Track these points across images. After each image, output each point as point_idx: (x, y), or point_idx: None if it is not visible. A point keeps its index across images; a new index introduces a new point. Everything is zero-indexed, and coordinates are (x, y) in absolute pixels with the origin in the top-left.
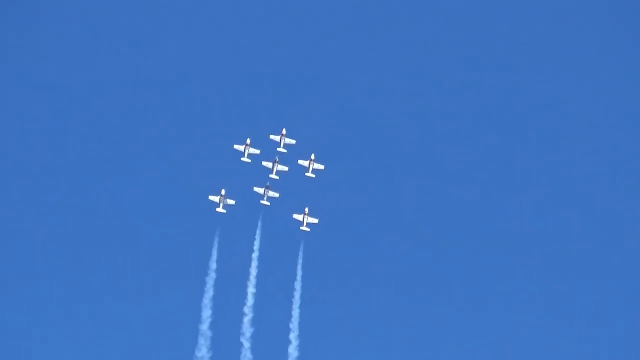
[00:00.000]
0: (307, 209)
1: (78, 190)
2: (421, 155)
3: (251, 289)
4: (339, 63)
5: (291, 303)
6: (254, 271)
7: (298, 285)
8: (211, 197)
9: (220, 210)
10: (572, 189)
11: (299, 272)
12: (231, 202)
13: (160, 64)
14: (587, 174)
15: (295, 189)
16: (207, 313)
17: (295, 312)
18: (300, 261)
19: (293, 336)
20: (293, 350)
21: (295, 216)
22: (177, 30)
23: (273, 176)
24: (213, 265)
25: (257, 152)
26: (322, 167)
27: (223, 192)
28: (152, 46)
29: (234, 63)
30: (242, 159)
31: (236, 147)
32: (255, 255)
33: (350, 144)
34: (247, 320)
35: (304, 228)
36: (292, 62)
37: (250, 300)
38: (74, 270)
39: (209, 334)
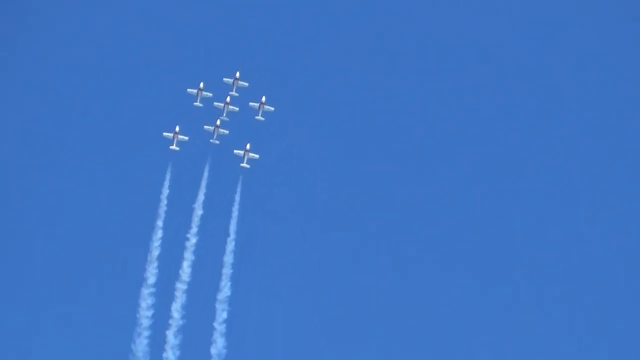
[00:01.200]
0: (248, 145)
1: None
2: (376, 107)
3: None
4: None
5: (225, 244)
6: (199, 210)
7: (233, 222)
8: (165, 134)
9: (173, 147)
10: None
11: (235, 210)
12: (184, 138)
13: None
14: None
15: (244, 129)
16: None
17: (229, 250)
18: (237, 198)
19: (224, 272)
20: (224, 286)
21: (236, 151)
22: None
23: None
24: (164, 200)
25: (210, 94)
26: (272, 108)
27: (177, 128)
28: None
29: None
30: (195, 103)
31: (189, 90)
32: (201, 193)
33: (303, 87)
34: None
35: (244, 164)
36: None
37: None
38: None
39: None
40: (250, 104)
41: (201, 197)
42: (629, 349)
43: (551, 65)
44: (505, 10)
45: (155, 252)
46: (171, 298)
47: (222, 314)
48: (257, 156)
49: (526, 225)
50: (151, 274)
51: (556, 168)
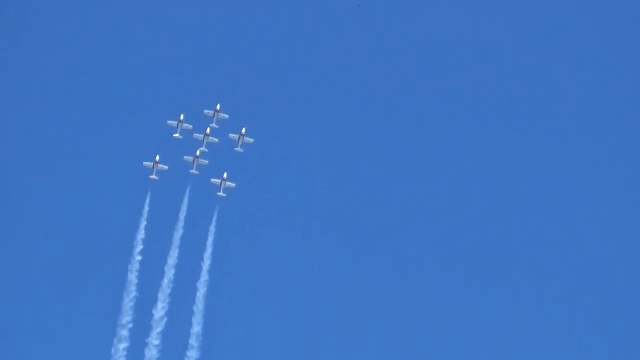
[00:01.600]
0: (225, 174)
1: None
2: (357, 136)
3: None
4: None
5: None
6: (176, 238)
7: (209, 248)
8: (145, 163)
9: (153, 177)
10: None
11: (210, 237)
12: (164, 167)
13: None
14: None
15: (223, 160)
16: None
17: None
18: (213, 225)
19: (199, 294)
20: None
21: (213, 180)
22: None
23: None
24: (142, 229)
25: (190, 127)
26: (251, 139)
27: (157, 157)
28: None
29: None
30: (174, 135)
31: (169, 122)
32: (180, 221)
33: (283, 118)
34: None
35: (221, 193)
36: (236, 40)
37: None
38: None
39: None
40: (230, 135)
41: (180, 225)
42: (629, 349)
43: (550, 65)
44: (505, 11)
45: (133, 278)
46: (148, 328)
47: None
48: (233, 185)
49: (526, 226)
50: (128, 302)
51: (556, 168)
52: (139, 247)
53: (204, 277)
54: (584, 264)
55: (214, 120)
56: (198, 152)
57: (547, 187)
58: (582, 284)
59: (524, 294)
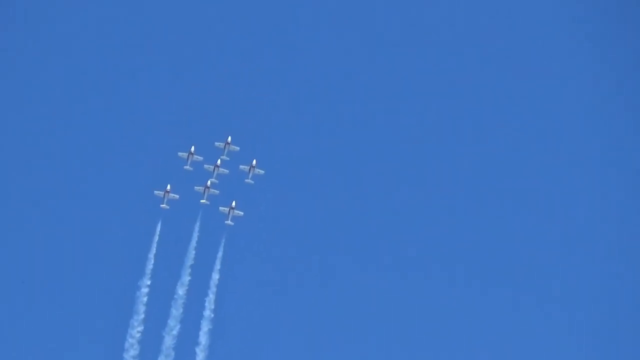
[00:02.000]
0: (234, 202)
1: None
2: (366, 163)
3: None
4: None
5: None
6: (187, 267)
7: (215, 276)
8: (156, 192)
9: (164, 206)
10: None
11: (217, 265)
12: (175, 196)
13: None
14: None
15: (234, 190)
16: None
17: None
18: (220, 254)
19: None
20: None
21: (221, 209)
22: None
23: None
24: (151, 257)
25: (200, 158)
26: (262, 171)
27: (168, 187)
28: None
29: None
30: (185, 167)
31: (180, 154)
32: (190, 250)
33: (295, 151)
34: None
35: (229, 222)
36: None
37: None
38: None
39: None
40: (241, 167)
41: (190, 253)
42: (630, 349)
43: (549, 66)
44: (505, 11)
45: (142, 306)
46: (157, 352)
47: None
48: (241, 213)
49: (526, 226)
50: (137, 328)
51: (555, 168)
52: (148, 276)
53: (210, 306)
54: (584, 263)
55: (225, 152)
56: (209, 183)
57: (546, 188)
58: (581, 284)
59: (523, 295)
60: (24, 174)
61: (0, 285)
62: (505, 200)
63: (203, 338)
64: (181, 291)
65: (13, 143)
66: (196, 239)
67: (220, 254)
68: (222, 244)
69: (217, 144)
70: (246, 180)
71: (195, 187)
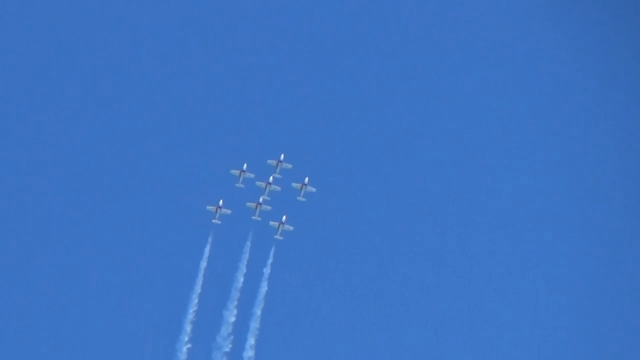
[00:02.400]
0: (284, 217)
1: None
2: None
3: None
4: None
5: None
6: (238, 282)
7: (262, 290)
8: (209, 207)
9: (216, 221)
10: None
11: (264, 279)
12: (227, 211)
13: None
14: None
15: (286, 207)
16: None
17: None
18: (267, 270)
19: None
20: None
21: (272, 223)
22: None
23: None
24: (202, 271)
25: (252, 175)
26: (314, 189)
27: (221, 202)
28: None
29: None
30: (237, 184)
31: (232, 171)
32: (241, 266)
33: (346, 168)
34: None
35: (278, 236)
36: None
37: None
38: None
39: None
40: (293, 184)
41: (241, 268)
42: (629, 349)
43: (547, 66)
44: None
45: (190, 320)
46: None
47: None
48: (291, 228)
49: (524, 226)
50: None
51: (554, 168)
52: (198, 290)
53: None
54: (584, 264)
55: (278, 170)
56: (261, 199)
57: (544, 186)
58: (581, 284)
59: (523, 295)
60: (79, 185)
61: (55, 300)
62: (503, 200)
63: (250, 352)
64: (230, 305)
65: (66, 157)
66: (247, 253)
67: (268, 268)
68: (271, 258)
69: (269, 161)
70: (298, 198)
71: (247, 203)
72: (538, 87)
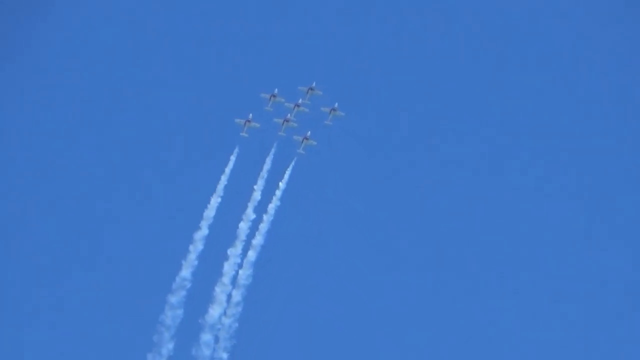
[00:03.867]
0: (308, 132)
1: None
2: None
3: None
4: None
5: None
6: (257, 192)
7: (277, 202)
8: (237, 120)
9: (243, 134)
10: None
11: (279, 190)
12: (256, 125)
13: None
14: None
15: (312, 128)
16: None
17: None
18: (286, 179)
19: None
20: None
21: (296, 137)
22: None
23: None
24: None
25: (282, 100)
26: (342, 113)
27: (250, 116)
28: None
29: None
30: (266, 108)
31: (262, 95)
32: (262, 176)
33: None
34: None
35: (301, 150)
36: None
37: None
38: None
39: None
40: (322, 108)
41: (261, 180)
42: (630, 349)
43: (549, 67)
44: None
45: (206, 229)
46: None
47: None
48: (315, 143)
49: (524, 227)
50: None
51: (552, 168)
52: (219, 198)
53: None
54: (583, 265)
55: (308, 96)
56: (288, 116)
57: (544, 188)
58: (581, 284)
59: (523, 296)
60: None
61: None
62: (502, 200)
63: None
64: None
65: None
66: (269, 165)
67: (285, 182)
68: (289, 171)
69: (300, 87)
70: (326, 122)
71: (275, 119)
72: None
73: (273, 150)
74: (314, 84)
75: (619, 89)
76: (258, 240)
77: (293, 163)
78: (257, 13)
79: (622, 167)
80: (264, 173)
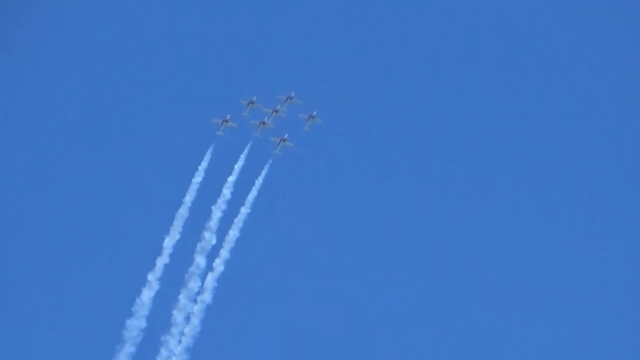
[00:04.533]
0: (286, 135)
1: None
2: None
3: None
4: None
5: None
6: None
7: (251, 201)
8: (214, 120)
9: (219, 133)
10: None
11: (255, 190)
12: (233, 125)
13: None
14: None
15: (289, 133)
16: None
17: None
18: (261, 179)
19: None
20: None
21: (273, 139)
22: None
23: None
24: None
25: (260, 106)
26: (320, 120)
27: (228, 116)
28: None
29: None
30: (243, 113)
31: (241, 101)
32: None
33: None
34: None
35: (277, 152)
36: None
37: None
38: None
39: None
40: (300, 115)
41: (232, 178)
42: (630, 349)
43: (549, 67)
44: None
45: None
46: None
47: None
48: (292, 144)
49: (524, 227)
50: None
51: (551, 168)
52: (192, 195)
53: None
54: (582, 264)
55: (286, 105)
56: (265, 119)
57: (542, 189)
58: (580, 284)
59: (522, 297)
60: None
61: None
62: (501, 201)
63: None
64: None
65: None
66: (242, 163)
67: (260, 181)
68: (265, 171)
69: (279, 96)
70: (304, 128)
71: (251, 121)
72: None
73: (246, 151)
74: (292, 94)
75: (619, 89)
76: (232, 235)
77: (268, 164)
78: (257, 13)
79: (622, 167)
80: (236, 171)
